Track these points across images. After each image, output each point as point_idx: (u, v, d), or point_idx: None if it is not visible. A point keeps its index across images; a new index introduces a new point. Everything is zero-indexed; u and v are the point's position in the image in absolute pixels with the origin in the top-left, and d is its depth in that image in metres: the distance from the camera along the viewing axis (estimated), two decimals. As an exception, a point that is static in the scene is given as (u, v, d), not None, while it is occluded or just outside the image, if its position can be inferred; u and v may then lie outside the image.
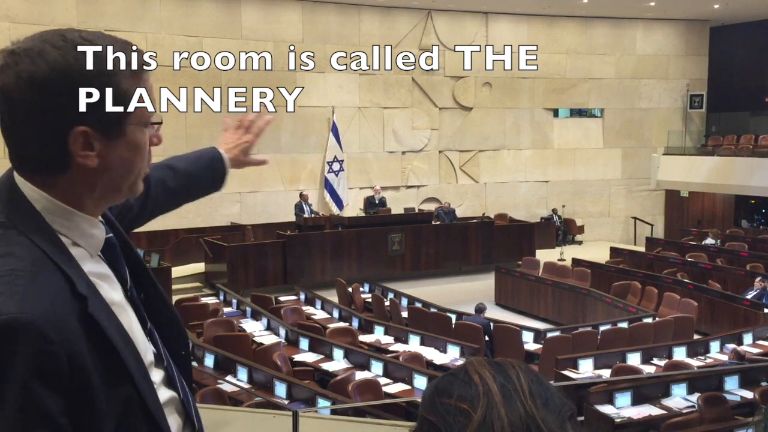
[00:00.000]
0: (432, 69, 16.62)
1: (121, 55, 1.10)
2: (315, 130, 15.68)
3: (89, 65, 1.07)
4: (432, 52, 16.39)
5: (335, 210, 15.38)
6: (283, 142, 15.16)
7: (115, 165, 1.12)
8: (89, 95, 1.06)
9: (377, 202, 15.01)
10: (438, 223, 14.72)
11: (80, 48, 1.07)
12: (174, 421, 1.25)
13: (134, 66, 1.12)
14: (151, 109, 1.15)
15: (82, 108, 1.06)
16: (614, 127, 18.54)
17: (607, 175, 18.55)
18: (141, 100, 1.12)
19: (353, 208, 15.65)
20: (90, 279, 1.11)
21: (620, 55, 18.36)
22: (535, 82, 17.79)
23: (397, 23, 16.43)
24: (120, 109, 1.09)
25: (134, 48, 1.14)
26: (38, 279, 1.02)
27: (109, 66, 1.08)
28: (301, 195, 14.19)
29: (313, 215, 14.05)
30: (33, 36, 1.09)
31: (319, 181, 15.70)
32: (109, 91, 1.08)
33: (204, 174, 1.74)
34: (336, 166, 15.57)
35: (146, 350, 1.20)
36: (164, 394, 1.23)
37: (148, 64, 1.15)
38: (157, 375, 1.22)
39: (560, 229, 17.22)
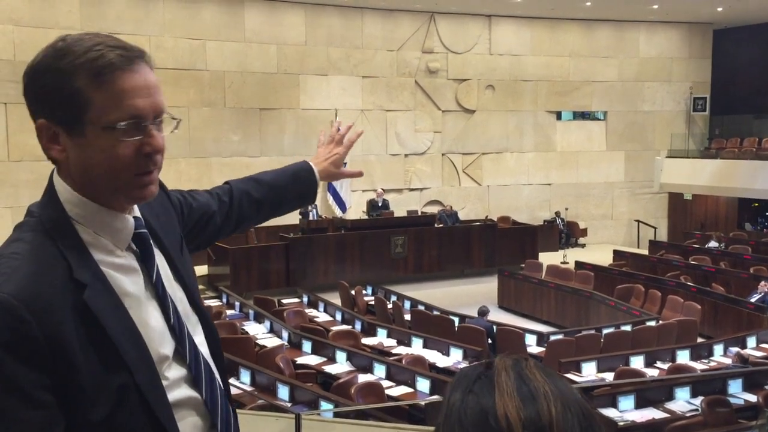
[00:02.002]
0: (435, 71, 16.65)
1: (84, 55, 1.12)
2: (318, 132, 15.61)
3: (49, 63, 1.12)
4: (434, 55, 16.44)
5: (338, 213, 15.38)
6: (286, 145, 15.17)
7: (85, 163, 1.15)
8: (44, 90, 1.13)
9: (380, 204, 15.01)
10: (441, 225, 14.71)
11: (54, 47, 1.14)
12: (192, 422, 1.25)
13: (96, 66, 1.12)
14: (118, 114, 1.13)
15: (40, 102, 1.14)
16: (617, 129, 18.52)
17: (610, 177, 18.53)
18: (102, 102, 1.12)
19: (356, 210, 15.65)
20: (101, 268, 1.15)
21: (623, 58, 18.34)
22: (538, 84, 17.78)
23: (400, 26, 16.44)
24: (71, 107, 1.12)
25: (107, 49, 1.13)
26: (32, 262, 1.09)
27: (62, 64, 1.12)
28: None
29: (317, 218, 14.05)
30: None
31: (322, 184, 15.67)
32: (58, 88, 1.12)
33: (290, 185, 1.74)
34: (339, 169, 15.55)
35: (160, 345, 1.21)
36: (182, 392, 1.23)
37: (118, 67, 1.13)
38: (175, 372, 1.23)
39: (563, 232, 17.20)
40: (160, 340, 1.21)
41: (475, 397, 0.79)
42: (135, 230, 1.23)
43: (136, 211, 1.26)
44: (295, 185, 1.75)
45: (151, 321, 1.21)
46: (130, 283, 1.19)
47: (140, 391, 1.14)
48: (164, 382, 1.19)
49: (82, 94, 1.11)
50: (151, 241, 1.27)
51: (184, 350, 1.25)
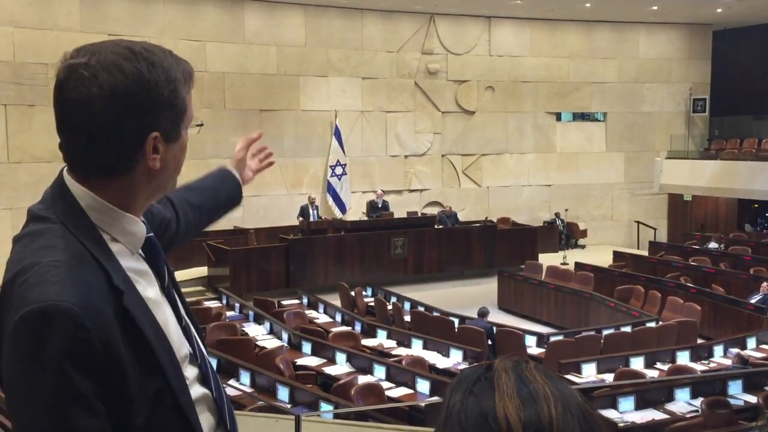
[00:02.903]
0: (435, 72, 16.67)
1: (177, 66, 1.21)
2: (318, 134, 15.70)
3: (159, 76, 1.16)
4: (434, 56, 16.45)
5: (338, 214, 15.38)
6: (286, 146, 15.17)
7: (170, 165, 1.22)
8: (161, 104, 1.17)
9: (380, 205, 15.02)
10: (440, 226, 14.71)
11: (149, 59, 1.16)
12: (206, 419, 1.28)
13: (187, 74, 1.22)
14: (193, 114, 1.25)
15: (156, 116, 1.16)
16: (617, 130, 18.53)
17: (610, 178, 18.53)
18: (191, 105, 1.24)
19: (356, 212, 15.65)
20: (127, 274, 1.18)
21: (623, 59, 18.35)
22: (538, 86, 17.79)
23: (400, 27, 16.44)
24: (180, 114, 1.21)
25: (181, 58, 1.24)
26: (77, 270, 1.09)
27: (174, 76, 1.18)
28: (309, 198, 14.19)
29: (318, 219, 14.06)
30: (93, 48, 1.17)
31: (322, 185, 15.70)
32: (175, 99, 1.18)
33: (220, 188, 1.79)
34: (339, 170, 15.58)
35: (180, 346, 1.25)
36: (197, 391, 1.27)
37: (194, 71, 1.25)
38: (190, 372, 1.27)
39: (563, 233, 17.20)
40: (180, 342, 1.25)
41: (475, 398, 0.79)
42: (146, 234, 1.26)
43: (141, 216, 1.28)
44: (224, 188, 1.79)
45: (170, 323, 1.24)
46: (148, 287, 1.22)
47: (174, 394, 1.17)
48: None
49: (185, 101, 1.22)
50: (159, 246, 1.31)
51: (194, 350, 1.29)
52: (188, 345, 1.28)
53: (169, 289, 1.29)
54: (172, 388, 1.16)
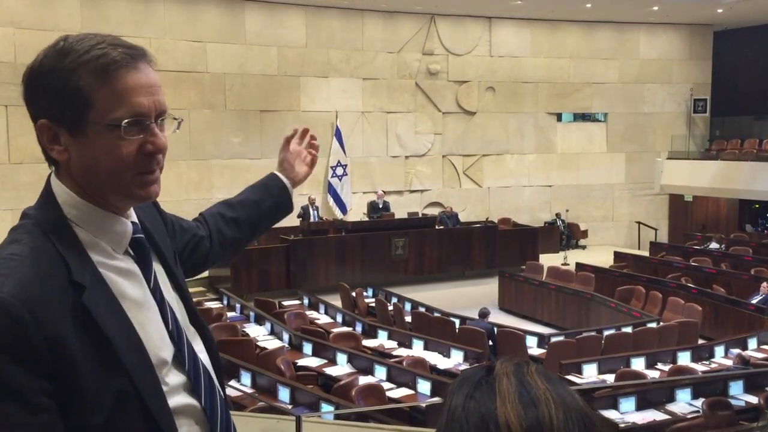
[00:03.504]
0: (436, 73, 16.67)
1: (86, 54, 1.12)
2: (318, 134, 15.14)
3: (50, 62, 1.12)
4: (435, 57, 16.45)
5: (339, 214, 15.38)
6: (287, 147, 15.16)
7: (87, 164, 1.15)
8: (45, 90, 1.13)
9: (380, 206, 15.01)
10: (441, 227, 14.70)
11: (55, 47, 1.13)
12: (189, 430, 1.22)
13: (99, 65, 1.11)
14: (121, 112, 1.12)
15: (40, 102, 1.14)
16: (618, 131, 18.52)
17: (610, 179, 18.52)
18: (104, 101, 1.12)
19: (357, 212, 15.65)
20: (99, 271, 1.14)
21: (624, 60, 18.35)
22: (539, 86, 17.79)
23: (401, 28, 16.45)
24: (73, 106, 1.11)
25: (110, 48, 1.13)
26: (31, 264, 1.07)
27: (64, 63, 1.11)
28: (309, 198, 14.20)
29: (317, 220, 14.06)
30: None
31: (323, 185, 15.70)
32: (60, 87, 1.11)
33: (263, 198, 1.72)
34: (339, 171, 15.58)
35: (159, 349, 1.19)
36: (180, 400, 1.21)
37: (122, 65, 1.13)
38: (174, 379, 1.21)
39: (564, 234, 17.19)
40: (159, 345, 1.19)
41: (477, 403, 0.79)
42: (133, 235, 1.22)
43: (134, 217, 1.25)
44: (269, 197, 1.73)
45: (150, 325, 1.19)
46: (129, 286, 1.18)
47: (140, 397, 1.12)
48: (164, 388, 1.17)
49: (84, 93, 1.11)
50: (149, 247, 1.27)
51: (183, 356, 1.24)
52: (174, 350, 1.22)
53: (158, 292, 1.24)
54: (137, 390, 1.11)
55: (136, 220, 1.26)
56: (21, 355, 1.00)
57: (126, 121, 1.12)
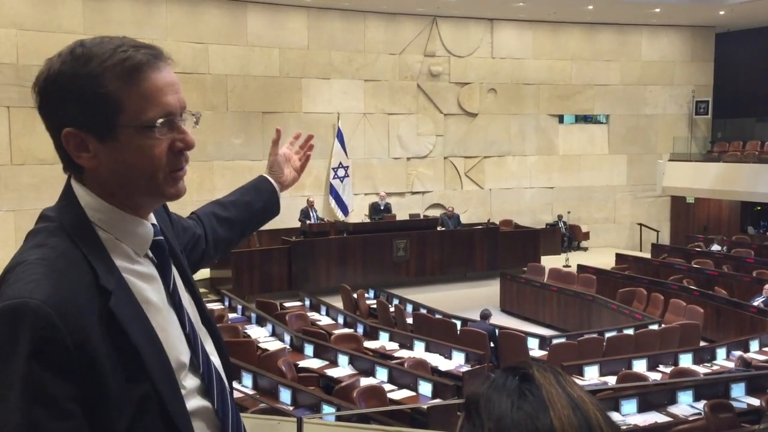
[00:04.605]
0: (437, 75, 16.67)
1: (110, 58, 1.11)
2: (320, 136, 15.69)
3: (73, 69, 1.10)
4: (436, 58, 16.44)
5: (340, 216, 15.38)
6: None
7: (119, 167, 1.14)
8: (71, 98, 1.11)
9: (382, 208, 15.01)
10: (443, 229, 14.70)
11: (73, 53, 1.11)
12: None
13: (124, 68, 1.12)
14: (152, 112, 1.13)
15: (66, 111, 1.11)
16: (619, 133, 18.52)
17: (612, 181, 18.52)
18: (134, 102, 1.12)
19: (358, 214, 15.65)
20: (123, 275, 1.14)
21: (625, 62, 18.35)
22: (540, 88, 17.79)
23: (402, 30, 16.46)
24: (104, 111, 1.11)
25: (132, 50, 1.13)
26: (60, 269, 1.06)
27: (90, 69, 1.10)
28: (307, 201, 14.21)
29: (318, 221, 14.06)
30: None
31: (324, 187, 15.71)
32: (89, 94, 1.10)
33: (253, 199, 1.74)
34: (341, 172, 15.59)
35: (179, 353, 1.20)
36: (195, 402, 1.22)
37: (146, 66, 1.13)
38: (190, 382, 1.22)
39: (565, 236, 17.19)
40: (179, 348, 1.20)
41: (526, 415, 0.77)
42: (153, 237, 1.23)
43: (153, 219, 1.25)
44: (259, 198, 1.75)
45: (170, 328, 1.20)
46: (150, 291, 1.18)
47: (162, 402, 1.12)
48: (182, 392, 1.18)
49: (114, 97, 1.11)
50: (167, 249, 1.27)
51: (197, 360, 1.24)
52: (190, 354, 1.23)
53: (176, 295, 1.25)
54: (159, 394, 1.12)
55: (155, 222, 1.26)
56: (55, 362, 1.00)
57: (159, 120, 1.14)
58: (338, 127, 15.60)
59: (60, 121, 1.12)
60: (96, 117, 1.11)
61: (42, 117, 1.14)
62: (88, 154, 1.13)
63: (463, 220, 15.76)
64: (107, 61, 1.11)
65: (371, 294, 11.75)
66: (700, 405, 6.44)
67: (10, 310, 1.00)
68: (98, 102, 1.10)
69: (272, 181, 1.78)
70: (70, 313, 1.02)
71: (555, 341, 8.89)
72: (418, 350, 8.50)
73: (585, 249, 17.68)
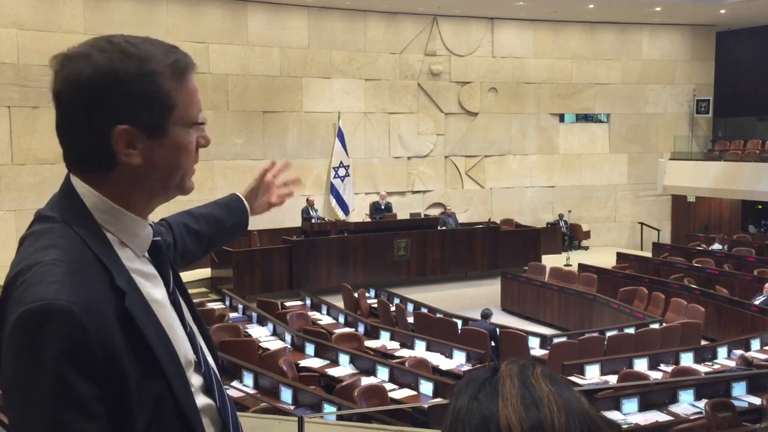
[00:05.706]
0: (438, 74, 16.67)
1: (165, 58, 1.15)
2: (321, 135, 15.71)
3: (132, 67, 1.12)
4: (437, 58, 16.43)
5: (341, 215, 15.38)
6: (289, 148, 15.20)
7: (160, 164, 1.17)
8: (131, 95, 1.12)
9: (383, 207, 15.01)
10: (444, 228, 14.70)
11: (124, 50, 1.13)
12: (208, 430, 1.24)
13: (177, 68, 1.17)
14: (194, 111, 1.20)
15: (124, 108, 1.12)
16: (620, 132, 18.51)
17: (613, 180, 18.51)
18: (184, 101, 1.18)
19: (359, 213, 15.66)
20: (131, 276, 1.15)
21: (626, 61, 18.34)
22: (541, 87, 17.78)
23: (403, 29, 16.45)
24: (161, 109, 1.15)
25: (178, 51, 1.19)
26: (78, 269, 1.06)
27: (152, 68, 1.13)
28: (307, 200, 14.21)
29: (319, 221, 14.06)
30: (85, 42, 1.15)
31: (325, 186, 15.71)
32: (151, 92, 1.13)
33: (225, 216, 1.77)
34: (342, 172, 15.59)
35: (186, 351, 1.22)
36: (201, 400, 1.23)
37: (191, 67, 1.20)
38: (195, 380, 1.23)
39: (566, 235, 17.18)
40: (185, 346, 1.22)
41: (479, 404, 0.79)
42: (152, 238, 1.24)
43: (149, 220, 1.27)
44: (230, 216, 1.78)
45: (176, 327, 1.21)
46: (154, 289, 1.20)
47: (176, 399, 1.14)
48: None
49: (172, 95, 1.15)
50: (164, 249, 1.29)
51: (198, 358, 1.26)
52: (193, 352, 1.25)
53: (175, 294, 1.26)
54: (174, 392, 1.13)
55: (153, 223, 1.28)
56: (82, 362, 1.01)
57: (202, 117, 1.22)
58: (339, 127, 15.60)
59: (113, 118, 1.11)
60: (152, 114, 1.14)
61: (79, 114, 1.12)
62: (135, 151, 1.14)
63: (464, 219, 15.77)
64: (164, 61, 1.15)
65: (372, 293, 11.75)
66: (701, 404, 6.44)
67: (38, 312, 1.00)
68: (157, 100, 1.14)
69: (245, 201, 1.82)
70: (94, 314, 1.03)
71: (556, 340, 8.89)
72: (419, 349, 8.50)
73: (586, 248, 17.68)
